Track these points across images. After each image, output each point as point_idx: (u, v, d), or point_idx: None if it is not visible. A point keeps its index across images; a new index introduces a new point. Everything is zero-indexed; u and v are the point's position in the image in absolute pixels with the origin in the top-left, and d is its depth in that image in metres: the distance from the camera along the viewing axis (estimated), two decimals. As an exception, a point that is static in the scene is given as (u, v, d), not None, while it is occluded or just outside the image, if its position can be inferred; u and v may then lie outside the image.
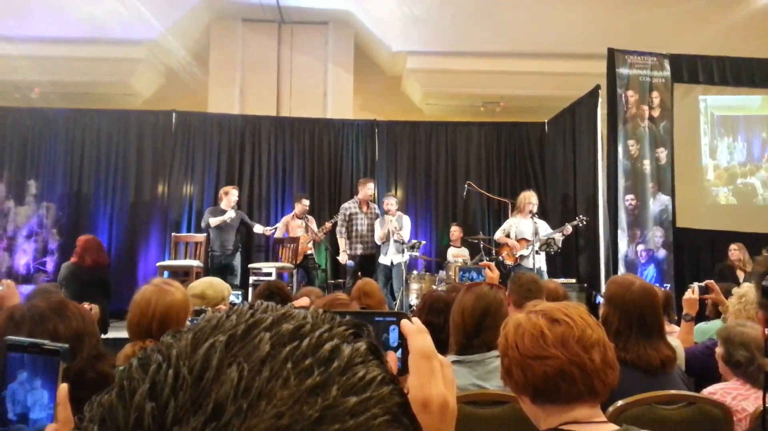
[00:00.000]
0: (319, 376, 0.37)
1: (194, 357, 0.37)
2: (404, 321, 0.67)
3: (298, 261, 7.30)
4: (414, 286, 7.11)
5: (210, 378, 0.36)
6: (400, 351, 0.70)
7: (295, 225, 7.48)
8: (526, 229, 6.74)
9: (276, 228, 7.61)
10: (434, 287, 6.51)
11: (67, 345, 0.74)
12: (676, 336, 3.00)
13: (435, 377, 0.62)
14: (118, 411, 0.36)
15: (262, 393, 0.36)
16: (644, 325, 2.17)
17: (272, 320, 0.41)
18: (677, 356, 2.29)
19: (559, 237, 6.70)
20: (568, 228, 6.67)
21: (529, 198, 6.86)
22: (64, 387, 0.74)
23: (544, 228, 6.78)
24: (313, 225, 7.53)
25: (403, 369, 0.65)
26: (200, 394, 0.35)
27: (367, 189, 7.28)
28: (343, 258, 7.27)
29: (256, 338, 0.39)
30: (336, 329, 0.42)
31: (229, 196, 7.34)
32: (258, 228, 7.59)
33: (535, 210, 6.75)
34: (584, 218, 6.71)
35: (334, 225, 7.38)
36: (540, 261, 6.70)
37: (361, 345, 0.42)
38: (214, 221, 7.17)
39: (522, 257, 6.71)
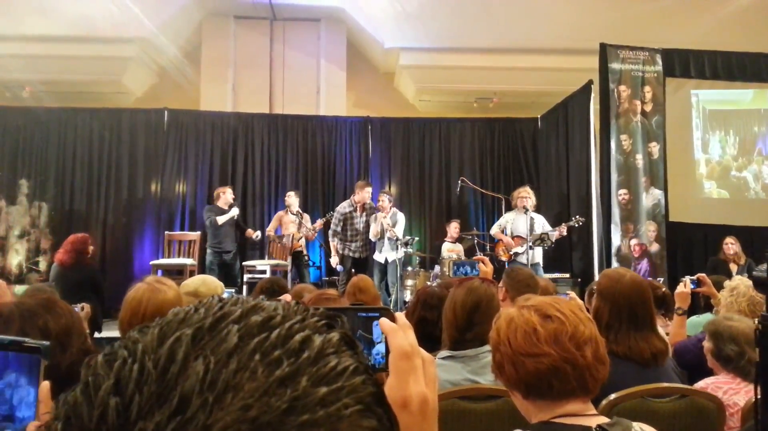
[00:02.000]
0: (288, 367, 0.37)
1: (159, 352, 0.37)
2: (383, 320, 0.65)
3: (287, 259, 7.28)
4: (409, 282, 7.12)
5: (175, 372, 0.36)
6: (384, 347, 0.68)
7: (288, 221, 7.45)
8: (521, 226, 6.73)
9: (259, 234, 7.60)
10: (428, 283, 6.51)
11: (47, 343, 0.74)
12: (668, 331, 3.01)
13: (416, 375, 0.60)
14: (82, 407, 0.36)
15: (228, 385, 0.35)
16: (635, 318, 2.17)
17: (241, 312, 0.40)
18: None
19: (553, 235, 6.68)
20: (563, 229, 6.66)
21: (520, 193, 6.86)
22: (45, 385, 0.74)
23: (541, 224, 6.77)
24: (306, 222, 7.50)
25: (387, 365, 0.63)
26: (165, 388, 0.35)
27: (365, 193, 7.19)
28: (333, 261, 7.23)
29: (224, 331, 0.38)
30: (308, 320, 0.41)
31: (226, 195, 7.40)
32: (249, 232, 7.59)
33: (528, 204, 6.73)
34: (580, 218, 6.65)
35: (326, 223, 7.34)
36: (536, 256, 6.70)
37: (334, 335, 0.41)
38: (221, 219, 7.18)
39: (516, 254, 6.72)
